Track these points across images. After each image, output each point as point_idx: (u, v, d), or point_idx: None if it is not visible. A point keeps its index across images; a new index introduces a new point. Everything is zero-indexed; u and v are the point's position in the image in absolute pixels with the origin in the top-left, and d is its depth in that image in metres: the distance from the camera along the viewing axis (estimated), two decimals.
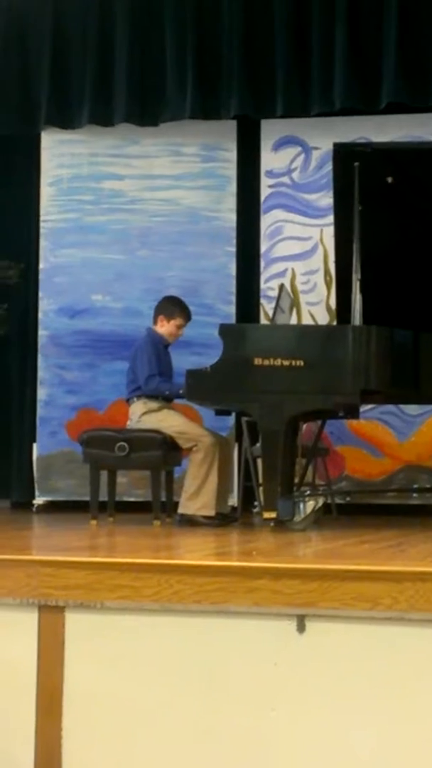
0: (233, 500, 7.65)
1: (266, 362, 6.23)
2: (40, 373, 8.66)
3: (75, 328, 8.63)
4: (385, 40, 7.87)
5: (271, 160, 8.52)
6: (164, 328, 7.30)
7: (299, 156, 8.50)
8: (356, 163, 6.42)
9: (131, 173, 8.68)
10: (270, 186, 8.53)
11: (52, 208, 8.72)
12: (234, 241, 8.56)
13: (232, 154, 8.59)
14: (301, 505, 6.41)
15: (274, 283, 8.21)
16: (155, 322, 7.34)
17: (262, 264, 8.50)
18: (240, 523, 7.09)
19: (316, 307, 8.37)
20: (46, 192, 8.75)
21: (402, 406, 8.12)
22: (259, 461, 6.76)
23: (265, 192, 8.53)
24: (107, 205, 8.69)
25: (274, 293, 7.86)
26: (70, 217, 8.70)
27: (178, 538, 6.17)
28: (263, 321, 8.23)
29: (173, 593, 4.25)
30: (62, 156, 8.73)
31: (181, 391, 6.67)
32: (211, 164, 8.61)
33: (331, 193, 7.13)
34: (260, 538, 6.07)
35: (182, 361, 7.30)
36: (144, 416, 7.08)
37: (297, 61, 8.06)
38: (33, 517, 8.05)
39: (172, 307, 7.35)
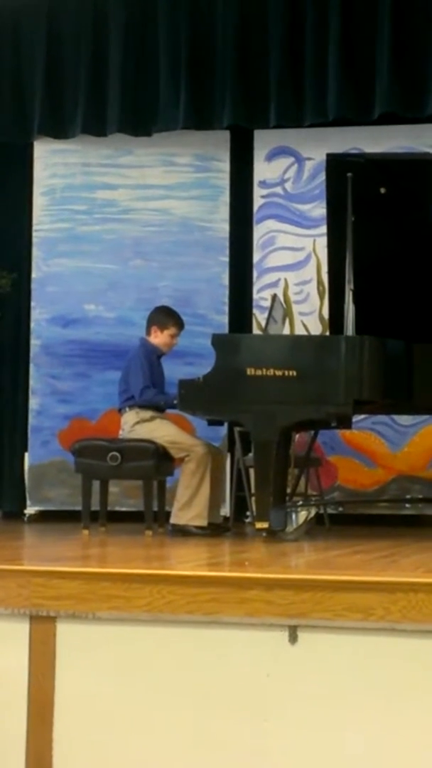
0: (225, 510, 7.64)
1: (259, 372, 6.23)
2: (32, 383, 8.65)
3: (67, 338, 8.62)
4: (378, 52, 7.88)
5: (264, 170, 8.53)
6: (158, 338, 7.30)
7: (292, 166, 8.51)
8: (349, 174, 6.43)
9: (124, 183, 8.68)
10: (263, 196, 8.53)
11: (45, 218, 8.72)
12: (227, 251, 8.56)
13: (225, 165, 8.60)
14: (294, 516, 6.42)
15: (267, 294, 8.21)
16: (148, 333, 7.34)
17: (255, 274, 8.51)
18: (232, 533, 7.08)
19: (309, 317, 8.37)
20: (39, 201, 8.75)
21: (395, 417, 8.12)
22: (252, 471, 6.76)
23: (258, 202, 8.54)
24: (100, 214, 8.69)
25: (267, 303, 7.85)
26: (63, 226, 8.69)
27: (170, 549, 6.16)
28: (256, 331, 8.23)
29: (165, 604, 4.25)
30: (55, 165, 8.73)
31: (174, 401, 6.66)
32: (204, 174, 8.61)
33: (324, 204, 7.15)
34: (252, 549, 6.07)
35: (175, 371, 7.30)
36: (136, 426, 7.07)
37: (290, 72, 8.07)
38: (24, 527, 8.04)
39: (165, 317, 7.35)
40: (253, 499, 6.59)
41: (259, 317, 8.28)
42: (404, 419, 8.14)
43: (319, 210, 8.06)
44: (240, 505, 7.64)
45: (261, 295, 8.41)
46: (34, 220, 8.74)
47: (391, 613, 4.04)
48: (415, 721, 4.04)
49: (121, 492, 8.22)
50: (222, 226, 8.57)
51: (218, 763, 4.19)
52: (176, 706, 4.24)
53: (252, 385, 6.24)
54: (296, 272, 8.44)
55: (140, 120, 8.35)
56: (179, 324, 7.35)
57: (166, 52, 8.25)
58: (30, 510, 8.55)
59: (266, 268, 8.49)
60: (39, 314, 8.67)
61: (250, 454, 6.70)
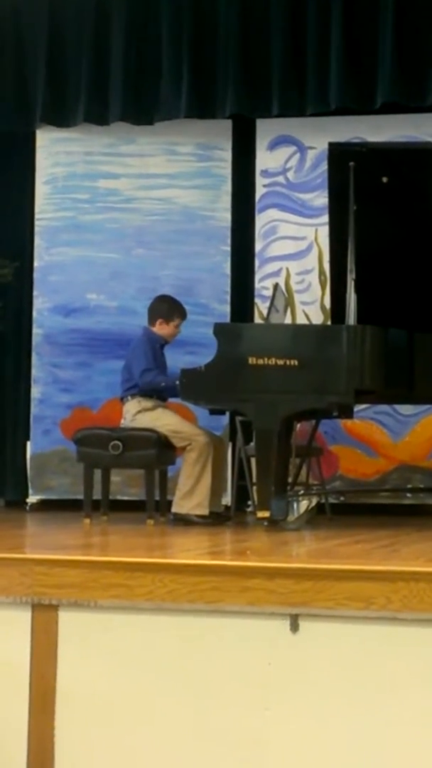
0: (227, 499, 7.65)
1: (260, 362, 6.23)
2: (35, 372, 8.65)
3: (69, 327, 8.62)
4: (380, 41, 7.86)
5: (266, 159, 8.52)
6: (164, 330, 7.30)
7: (294, 155, 8.50)
8: (351, 163, 6.42)
9: (126, 172, 8.67)
10: (265, 185, 8.52)
11: (47, 207, 8.71)
12: (229, 241, 8.55)
13: (228, 154, 8.58)
14: (295, 505, 6.43)
15: (269, 283, 8.20)
16: (153, 324, 7.33)
17: (257, 263, 8.50)
18: (233, 522, 7.09)
19: (311, 306, 8.36)
20: (41, 190, 8.74)
21: (396, 406, 8.12)
22: (253, 460, 6.77)
23: (260, 191, 8.52)
24: (102, 203, 8.68)
25: (269, 293, 7.85)
26: (65, 215, 8.68)
27: (171, 537, 6.18)
28: (258, 320, 8.22)
29: (167, 592, 4.26)
30: (57, 154, 8.72)
31: (177, 382, 6.65)
32: (206, 163, 8.60)
33: (326, 193, 7.14)
34: (254, 538, 6.08)
35: (177, 361, 7.30)
36: (138, 415, 7.08)
37: (292, 61, 8.05)
38: (26, 516, 8.05)
39: (169, 308, 7.35)
40: (255, 488, 6.60)
41: (261, 306, 8.27)
42: (405, 409, 8.15)
43: (321, 199, 8.05)
44: (241, 495, 7.65)
45: (263, 285, 8.41)
46: (37, 209, 8.73)
47: (392, 602, 4.05)
48: (416, 711, 4.05)
49: (123, 481, 8.23)
50: (224, 216, 8.56)
51: (219, 752, 4.20)
52: (178, 694, 4.25)
53: (254, 375, 6.24)
54: (298, 261, 8.43)
55: (142, 109, 8.33)
56: (183, 314, 7.37)
57: (168, 41, 8.24)
58: (32, 499, 8.56)
59: (268, 258, 8.48)
60: (41, 303, 8.67)
61: (252, 444, 6.70)
